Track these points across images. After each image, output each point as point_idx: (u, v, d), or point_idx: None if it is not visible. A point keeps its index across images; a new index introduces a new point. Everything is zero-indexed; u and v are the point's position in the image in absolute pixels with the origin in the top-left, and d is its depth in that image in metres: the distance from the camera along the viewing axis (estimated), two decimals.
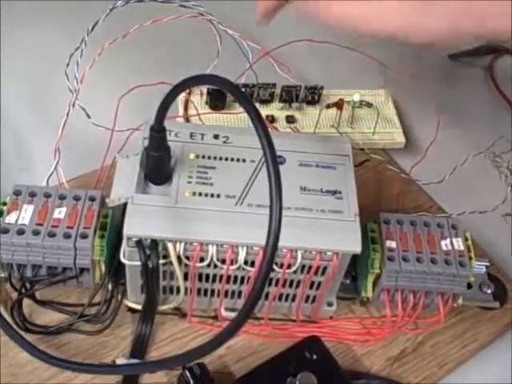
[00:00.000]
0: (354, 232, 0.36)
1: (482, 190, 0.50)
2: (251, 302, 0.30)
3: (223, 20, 0.50)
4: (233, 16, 0.53)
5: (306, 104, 0.53)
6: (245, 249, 0.35)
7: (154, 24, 0.47)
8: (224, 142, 0.39)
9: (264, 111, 0.52)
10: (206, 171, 0.37)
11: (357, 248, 0.35)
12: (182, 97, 0.53)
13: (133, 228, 0.35)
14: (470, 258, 0.39)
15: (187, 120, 0.51)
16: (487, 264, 0.44)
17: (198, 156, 0.38)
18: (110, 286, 0.39)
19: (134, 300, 0.39)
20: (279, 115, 0.52)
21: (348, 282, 0.42)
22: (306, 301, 0.39)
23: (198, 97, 0.53)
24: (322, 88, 0.53)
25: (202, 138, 0.39)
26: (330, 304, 0.40)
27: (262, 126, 0.30)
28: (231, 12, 0.56)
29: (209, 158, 0.38)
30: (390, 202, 0.48)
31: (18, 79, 0.55)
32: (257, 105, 0.52)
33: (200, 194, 0.36)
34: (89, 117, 0.46)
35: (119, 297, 0.39)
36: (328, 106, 0.51)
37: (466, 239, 0.40)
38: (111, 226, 0.38)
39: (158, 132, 0.34)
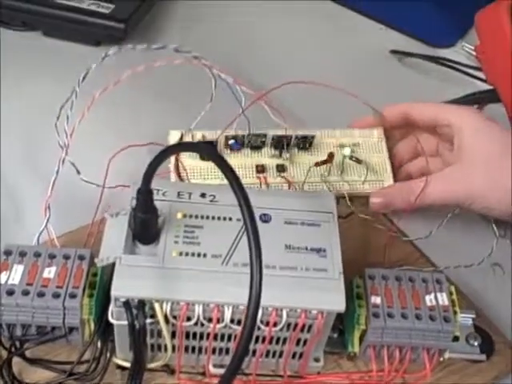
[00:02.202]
0: (338, 291, 0.36)
1: (470, 240, 0.51)
2: (235, 364, 0.31)
3: (217, 64, 0.50)
4: (227, 59, 0.55)
5: (297, 149, 0.53)
6: (230, 308, 0.36)
7: (146, 69, 0.47)
8: (211, 201, 0.40)
9: (255, 159, 0.52)
10: (193, 230, 0.38)
11: (341, 307, 0.36)
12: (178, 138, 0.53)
13: (120, 289, 0.35)
14: (455, 313, 0.40)
15: (177, 165, 0.52)
16: (473, 316, 0.44)
17: (185, 215, 0.39)
18: (99, 344, 0.39)
19: (123, 357, 0.40)
20: (270, 164, 0.52)
21: (335, 336, 0.42)
22: (293, 357, 0.40)
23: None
24: (313, 137, 0.53)
25: (190, 197, 0.40)
26: (317, 359, 0.41)
27: (242, 193, 0.31)
28: (226, 55, 0.58)
29: (196, 217, 0.39)
30: (377, 254, 0.48)
31: (9, 132, 0.56)
32: (248, 151, 0.53)
33: (187, 254, 0.37)
34: (78, 173, 0.47)
35: (108, 354, 0.40)
36: (317, 164, 0.52)
37: (451, 293, 0.41)
38: (100, 284, 0.39)
39: (144, 194, 0.35)
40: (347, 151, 0.52)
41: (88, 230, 0.45)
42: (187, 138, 0.53)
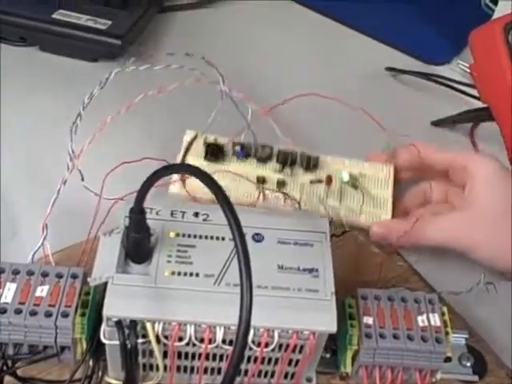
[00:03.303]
0: (330, 311, 0.36)
1: (463, 263, 0.51)
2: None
3: (226, 79, 0.51)
4: (231, 72, 0.56)
5: (301, 170, 0.52)
6: (222, 329, 0.36)
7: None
8: (204, 220, 0.40)
9: (259, 170, 0.52)
10: (186, 250, 0.38)
11: (332, 328, 0.36)
12: (185, 142, 0.53)
13: (112, 308, 0.35)
14: (447, 334, 0.40)
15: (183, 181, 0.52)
16: (466, 336, 0.44)
17: (178, 234, 0.39)
18: (91, 363, 0.39)
19: (115, 376, 0.39)
20: (271, 178, 0.52)
21: (328, 356, 0.42)
22: (285, 377, 0.40)
23: (201, 147, 0.53)
24: (318, 157, 0.53)
25: (183, 216, 0.40)
26: (309, 379, 0.40)
27: (232, 214, 0.31)
28: (228, 69, 0.59)
29: (189, 236, 0.39)
30: (370, 272, 0.48)
31: (8, 147, 0.56)
32: (253, 162, 0.53)
33: (179, 274, 0.37)
34: (83, 179, 0.46)
35: (100, 373, 0.40)
36: (312, 182, 0.52)
37: (443, 314, 0.41)
38: (92, 303, 0.39)
39: (137, 214, 0.35)
40: (345, 176, 0.52)
41: (83, 246, 0.45)
42: (201, 139, 0.53)
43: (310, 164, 0.53)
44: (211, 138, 0.53)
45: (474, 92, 0.62)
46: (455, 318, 0.46)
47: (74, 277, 0.40)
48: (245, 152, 0.53)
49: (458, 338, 0.44)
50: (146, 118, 0.57)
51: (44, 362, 0.39)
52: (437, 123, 0.65)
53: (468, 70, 0.69)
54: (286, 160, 0.53)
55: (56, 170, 0.46)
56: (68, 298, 0.38)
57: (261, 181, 0.52)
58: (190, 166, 0.35)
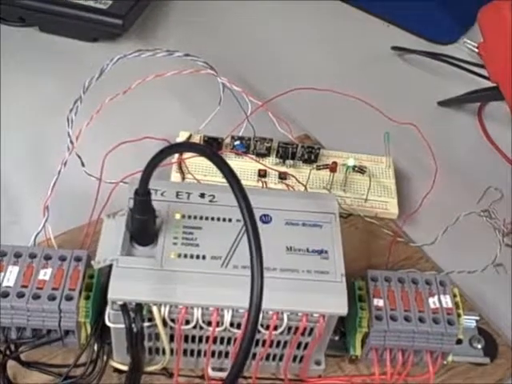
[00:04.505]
0: (340, 294, 0.35)
1: (474, 245, 0.50)
2: (235, 371, 0.30)
3: (225, 72, 0.51)
4: (236, 68, 0.55)
5: (302, 162, 0.52)
6: (230, 311, 0.35)
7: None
8: (210, 201, 0.39)
9: (258, 165, 0.52)
10: (192, 232, 0.37)
11: (343, 310, 0.35)
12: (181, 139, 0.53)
13: (117, 292, 0.34)
14: (459, 315, 0.39)
15: (180, 164, 0.51)
16: (477, 318, 0.43)
17: (183, 216, 0.38)
18: (95, 347, 0.39)
19: (120, 360, 0.39)
20: (272, 171, 0.52)
21: (337, 338, 0.41)
22: (294, 360, 0.39)
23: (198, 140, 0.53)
24: (319, 149, 0.52)
25: (188, 198, 0.39)
26: (318, 363, 0.40)
27: (241, 193, 0.30)
28: (227, 56, 0.58)
29: (195, 217, 0.38)
30: (379, 254, 0.48)
31: (8, 129, 0.55)
32: (253, 157, 0.53)
33: (185, 256, 0.36)
34: (83, 165, 0.46)
35: (105, 357, 0.39)
36: (319, 168, 0.51)
37: (455, 295, 0.40)
38: (97, 286, 0.38)
39: (142, 196, 0.34)
40: (351, 162, 0.51)
41: (85, 230, 0.44)
42: (195, 139, 0.53)
43: (311, 156, 0.52)
44: (208, 134, 0.52)
45: (482, 71, 0.61)
46: (465, 299, 0.45)
47: (78, 259, 0.39)
48: (244, 146, 0.52)
49: (469, 320, 0.43)
50: (145, 102, 0.56)
51: (48, 346, 0.39)
52: (444, 103, 0.64)
53: (476, 49, 0.68)
54: (287, 153, 0.52)
55: (56, 151, 0.45)
56: (72, 281, 0.38)
57: (262, 174, 0.51)
58: (196, 144, 0.33)
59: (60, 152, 0.44)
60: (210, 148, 0.33)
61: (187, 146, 0.33)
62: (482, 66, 0.61)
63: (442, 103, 0.64)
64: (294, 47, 0.69)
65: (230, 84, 0.51)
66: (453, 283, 0.42)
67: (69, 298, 0.37)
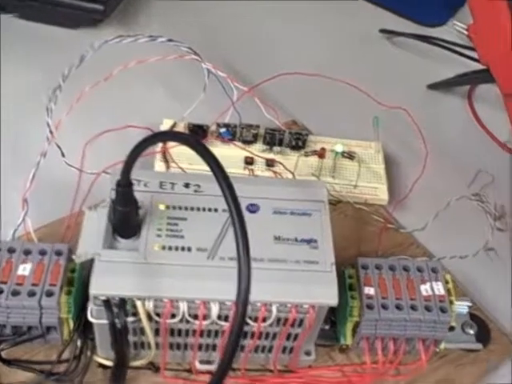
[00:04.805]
0: (330, 284, 0.34)
1: (465, 230, 0.49)
2: (224, 366, 0.29)
3: (210, 58, 0.49)
4: (221, 53, 0.53)
5: (289, 149, 0.51)
6: (217, 304, 0.34)
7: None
8: (195, 191, 0.38)
9: (245, 152, 0.51)
10: (177, 223, 0.36)
11: (333, 301, 0.34)
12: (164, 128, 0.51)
13: (99, 287, 0.33)
14: (451, 303, 0.38)
15: (164, 153, 0.50)
16: (469, 304, 0.43)
17: (168, 207, 0.37)
18: (78, 342, 0.38)
19: (105, 356, 0.38)
20: (259, 158, 0.51)
21: (327, 327, 0.40)
22: (284, 351, 0.38)
23: (182, 130, 0.51)
24: (306, 135, 0.51)
25: (173, 188, 0.38)
26: (308, 353, 0.39)
27: (226, 183, 0.29)
28: (219, 49, 0.56)
29: (179, 208, 0.37)
30: (370, 241, 0.47)
31: None
32: (240, 144, 0.51)
33: (170, 248, 0.35)
34: (63, 155, 0.45)
35: (89, 353, 0.38)
36: (307, 154, 0.50)
37: (447, 282, 0.39)
38: (78, 280, 0.37)
39: (124, 187, 0.33)
40: (339, 148, 0.50)
41: (66, 223, 0.42)
42: (180, 127, 0.52)
43: (299, 143, 0.51)
44: (193, 121, 0.51)
45: (472, 53, 0.60)
46: (457, 285, 0.44)
47: (59, 254, 0.37)
48: (230, 133, 0.51)
49: (461, 307, 0.42)
50: (127, 90, 0.55)
51: (29, 343, 0.37)
52: (433, 86, 0.63)
53: (465, 32, 0.67)
54: (274, 139, 0.51)
55: (35, 142, 0.44)
56: (52, 276, 0.36)
57: (249, 162, 0.50)
58: (178, 133, 0.32)
59: (39, 143, 0.43)
60: (194, 137, 0.32)
61: (170, 135, 0.32)
62: (471, 49, 0.60)
63: (431, 86, 0.63)
64: (280, 31, 0.67)
65: (214, 70, 0.49)
66: (445, 269, 0.42)
67: (49, 294, 0.36)
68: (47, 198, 0.44)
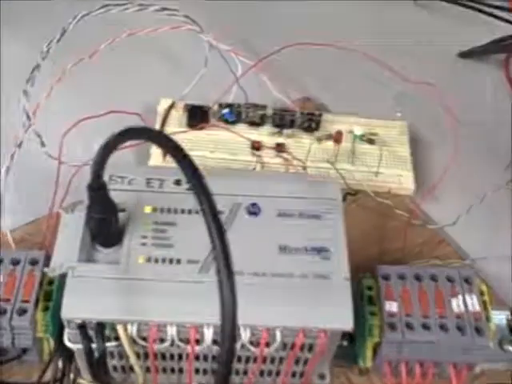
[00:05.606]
0: (344, 304, 0.29)
1: (504, 220, 0.43)
2: None
3: (211, 28, 0.43)
4: (223, 22, 0.47)
5: (302, 131, 0.45)
6: (211, 328, 0.29)
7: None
8: (188, 190, 0.32)
9: (251, 135, 0.45)
10: (165, 229, 0.31)
11: (348, 325, 0.29)
12: (161, 110, 0.46)
13: (73, 309, 0.28)
14: (488, 319, 0.33)
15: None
16: (508, 314, 0.37)
17: (154, 209, 0.32)
18: (60, 364, 0.33)
19: (90, 379, 0.33)
20: (268, 142, 0.45)
21: (345, 344, 0.35)
22: (293, 376, 0.33)
23: (181, 111, 0.46)
24: (320, 115, 0.45)
25: (161, 186, 0.33)
26: (322, 376, 0.34)
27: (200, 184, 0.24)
28: (220, 17, 0.50)
29: (168, 211, 0.32)
30: (393, 238, 0.41)
31: None
32: (244, 127, 0.46)
33: (156, 260, 0.30)
34: (43, 145, 0.40)
35: (72, 375, 0.33)
36: (319, 140, 0.44)
37: (482, 293, 0.34)
38: (57, 293, 0.32)
39: (96, 190, 0.28)
40: (358, 130, 0.44)
41: (46, 220, 0.37)
42: (179, 107, 0.46)
43: (312, 124, 0.45)
44: (194, 100, 0.45)
45: (510, 16, 0.53)
46: (493, 291, 0.39)
47: (33, 263, 0.33)
48: (234, 114, 0.45)
49: (499, 317, 0.37)
50: (116, 67, 0.49)
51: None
52: (465, 54, 0.56)
53: None
54: (284, 121, 0.45)
55: (10, 130, 0.39)
56: (26, 290, 0.32)
57: (256, 147, 0.44)
58: (149, 129, 0.27)
59: (15, 130, 0.38)
60: (163, 134, 0.27)
61: (138, 133, 0.26)
62: (508, 10, 0.52)
63: (463, 54, 0.56)
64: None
65: (216, 42, 0.43)
66: (479, 275, 0.36)
67: (22, 312, 0.31)
68: (24, 194, 0.39)
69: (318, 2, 0.59)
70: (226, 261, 0.24)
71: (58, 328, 0.32)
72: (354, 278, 0.31)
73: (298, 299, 0.29)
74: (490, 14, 0.57)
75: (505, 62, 0.56)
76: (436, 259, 0.40)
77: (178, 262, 0.30)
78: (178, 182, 0.33)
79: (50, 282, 0.33)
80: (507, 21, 0.55)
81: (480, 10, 0.58)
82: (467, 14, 0.58)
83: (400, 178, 0.44)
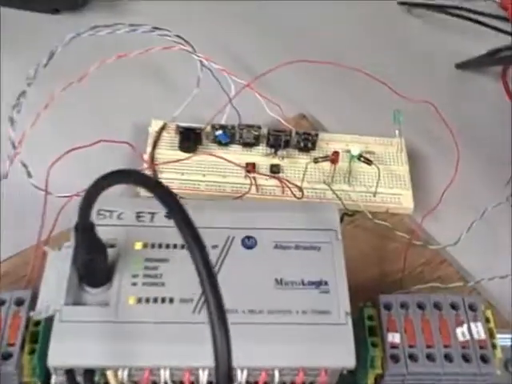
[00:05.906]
0: (346, 341, 0.28)
1: (507, 238, 0.42)
2: None
3: (203, 48, 0.42)
4: (215, 41, 0.45)
5: (297, 151, 0.44)
6: (206, 371, 0.28)
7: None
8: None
9: (246, 156, 0.44)
10: (156, 266, 0.30)
11: (349, 363, 0.27)
12: (152, 131, 0.45)
13: (60, 356, 0.27)
14: (494, 347, 0.32)
15: (152, 159, 0.44)
16: None
17: (145, 245, 0.30)
18: None
19: None
20: (263, 163, 0.44)
21: (345, 372, 0.34)
22: None
23: (173, 133, 0.45)
24: (316, 135, 0.44)
25: (152, 219, 0.31)
26: None
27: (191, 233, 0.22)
28: (213, 36, 0.48)
29: (159, 246, 0.30)
30: (393, 259, 0.40)
31: None
32: (238, 148, 0.45)
33: (147, 301, 0.28)
34: (30, 175, 0.38)
35: None
36: (316, 161, 0.43)
37: (487, 320, 0.33)
38: (44, 334, 0.31)
39: (84, 232, 0.27)
40: (355, 150, 0.43)
41: (33, 254, 0.36)
42: (170, 128, 0.45)
43: (308, 144, 0.44)
44: (186, 121, 0.44)
45: (505, 26, 0.52)
46: (498, 311, 0.38)
47: (19, 303, 0.31)
48: (228, 135, 0.44)
49: (503, 339, 0.35)
50: (106, 89, 0.47)
51: None
52: (462, 66, 0.55)
53: (497, 0, 0.59)
54: (279, 141, 0.44)
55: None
56: (11, 332, 0.30)
57: (250, 169, 0.43)
58: (130, 171, 0.26)
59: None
60: (144, 175, 0.26)
61: (120, 177, 0.25)
62: (507, 20, 0.51)
63: (460, 66, 0.55)
64: (284, 12, 0.59)
65: (208, 62, 0.42)
66: (483, 300, 0.35)
67: (7, 356, 0.29)
68: (10, 228, 0.38)
69: (312, 20, 0.58)
70: (216, 300, 0.23)
71: (46, 371, 0.31)
72: (354, 304, 0.30)
73: (296, 337, 0.28)
74: (485, 24, 0.57)
75: (502, 72, 0.55)
76: (438, 280, 0.39)
77: (171, 301, 0.29)
78: (169, 216, 0.32)
79: (37, 323, 0.31)
80: (503, 31, 0.54)
81: (475, 20, 0.57)
82: (464, 24, 0.57)
83: (399, 198, 0.43)
